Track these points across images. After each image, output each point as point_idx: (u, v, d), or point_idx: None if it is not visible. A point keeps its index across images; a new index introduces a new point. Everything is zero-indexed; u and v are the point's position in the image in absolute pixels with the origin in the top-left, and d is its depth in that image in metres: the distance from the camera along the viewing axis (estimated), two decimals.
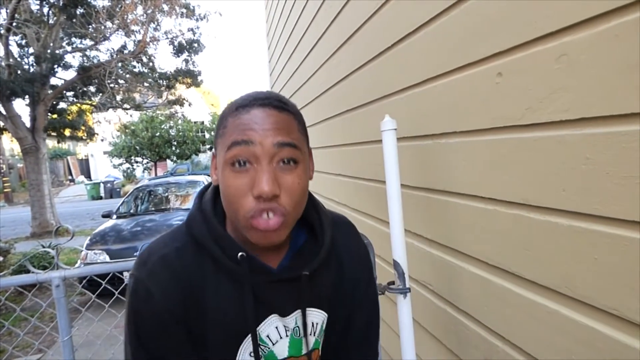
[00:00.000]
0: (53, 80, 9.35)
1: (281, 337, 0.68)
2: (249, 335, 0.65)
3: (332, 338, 0.75)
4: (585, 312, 0.84)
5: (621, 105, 0.72)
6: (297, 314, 0.69)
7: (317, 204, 0.73)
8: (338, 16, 2.24)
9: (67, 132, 10.85)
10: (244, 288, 0.64)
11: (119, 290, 1.76)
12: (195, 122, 23.72)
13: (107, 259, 4.41)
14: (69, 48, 9.75)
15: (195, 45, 10.97)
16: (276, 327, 0.68)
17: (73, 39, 9.77)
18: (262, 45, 5.86)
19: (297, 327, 0.69)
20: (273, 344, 0.68)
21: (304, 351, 0.70)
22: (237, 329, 0.65)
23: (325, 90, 2.70)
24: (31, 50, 8.82)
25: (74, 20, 8.35)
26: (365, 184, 2.10)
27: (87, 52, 9.81)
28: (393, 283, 1.30)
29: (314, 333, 0.71)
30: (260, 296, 0.65)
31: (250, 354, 0.66)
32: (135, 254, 4.30)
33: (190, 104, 12.71)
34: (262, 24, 5.82)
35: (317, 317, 0.71)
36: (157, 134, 21.10)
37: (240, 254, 0.62)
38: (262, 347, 0.67)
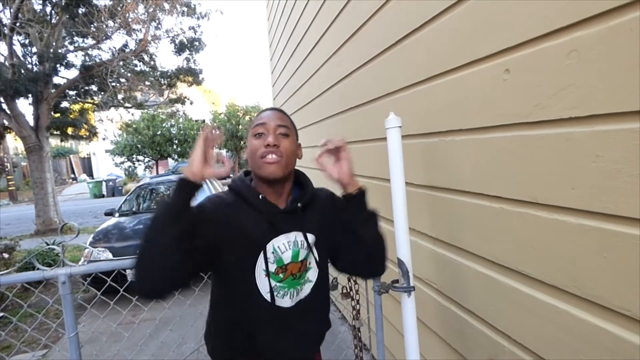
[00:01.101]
0: (56, 80, 9.31)
1: (287, 249, 1.07)
2: (267, 245, 1.04)
3: (339, 255, 1.16)
4: (594, 312, 0.83)
5: (633, 102, 0.71)
6: (297, 233, 1.08)
7: (306, 177, 1.18)
8: (340, 14, 2.23)
9: (70, 131, 10.85)
10: (262, 215, 1.04)
11: (123, 287, 1.75)
12: (196, 121, 23.68)
13: (110, 256, 4.40)
14: (71, 47, 9.72)
15: (197, 43, 10.93)
16: (283, 243, 1.06)
17: (75, 38, 9.74)
18: (264, 43, 5.85)
19: (296, 241, 1.08)
20: (282, 253, 1.06)
21: (300, 258, 1.09)
22: (259, 240, 1.04)
23: (327, 88, 2.69)
24: (34, 49, 8.80)
25: (76, 19, 8.32)
26: (369, 182, 2.09)
27: (89, 51, 9.78)
28: (397, 281, 1.29)
29: (306, 249, 1.09)
30: (273, 223, 1.05)
31: (267, 259, 1.04)
32: (137, 251, 4.29)
33: (191, 103, 12.66)
34: (264, 22, 5.80)
35: (309, 237, 1.10)
36: (159, 132, 21.09)
37: (260, 195, 1.05)
38: (274, 254, 1.06)
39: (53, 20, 8.60)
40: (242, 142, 22.34)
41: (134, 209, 6.00)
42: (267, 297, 1.06)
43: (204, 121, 25.08)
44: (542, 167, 0.93)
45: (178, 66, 11.18)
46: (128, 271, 4.22)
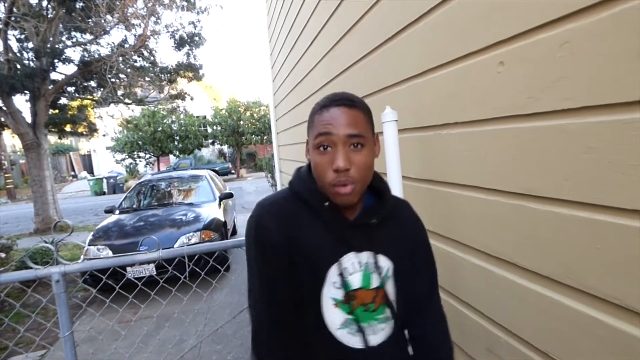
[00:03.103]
0: (53, 75, 9.28)
1: (355, 271, 0.87)
2: (333, 265, 0.85)
3: (406, 290, 0.94)
4: (588, 302, 0.84)
5: (624, 93, 0.71)
6: (369, 253, 0.88)
7: (384, 181, 0.96)
8: (338, 8, 2.22)
9: (68, 128, 10.85)
10: (328, 228, 0.86)
11: (119, 284, 1.76)
12: (197, 117, 23.69)
13: (110, 254, 4.42)
14: (69, 42, 9.68)
15: (196, 38, 10.89)
16: (352, 263, 0.86)
17: (73, 33, 9.70)
18: (264, 38, 5.83)
19: (368, 263, 0.87)
20: (350, 274, 0.86)
21: (372, 285, 0.88)
22: (327, 257, 0.85)
23: (326, 82, 2.69)
24: (30, 44, 8.77)
25: (74, 14, 8.29)
26: None
27: (88, 47, 9.75)
28: None
29: (380, 274, 0.89)
30: (340, 237, 0.86)
31: (333, 284, 0.85)
32: (138, 248, 4.31)
33: (192, 98, 12.64)
34: (263, 16, 5.78)
35: (383, 261, 0.89)
36: (160, 128, 21.09)
37: (326, 203, 0.85)
38: (341, 277, 0.86)
39: (49, 15, 8.54)
40: (243, 138, 22.34)
41: (134, 206, 6.01)
42: (337, 334, 0.86)
43: (205, 117, 25.06)
44: (536, 159, 0.93)
45: (178, 62, 11.15)
46: (129, 269, 4.26)
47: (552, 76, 0.86)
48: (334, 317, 0.86)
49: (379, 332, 0.89)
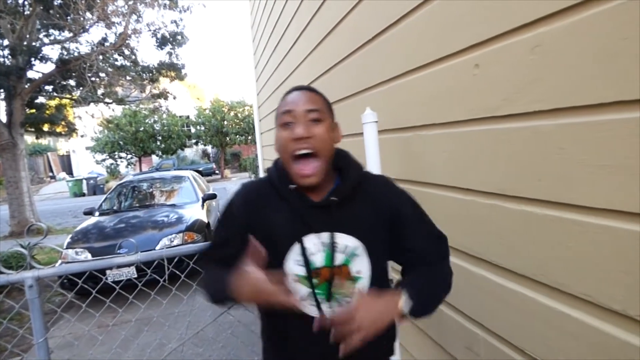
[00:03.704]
0: (30, 74, 9.01)
1: (318, 250, 0.92)
2: (295, 244, 0.91)
3: (379, 264, 0.98)
4: (560, 298, 0.86)
5: (594, 95, 0.73)
6: (328, 234, 0.92)
7: (350, 160, 1.00)
8: (320, 9, 2.22)
9: (46, 128, 10.54)
10: (292, 210, 0.92)
11: (96, 289, 1.72)
12: (180, 117, 23.36)
13: (89, 257, 4.31)
14: (46, 40, 9.42)
15: (179, 37, 10.74)
16: (314, 243, 0.92)
17: (51, 31, 9.45)
18: (247, 37, 5.79)
19: (328, 243, 0.92)
20: (311, 255, 0.92)
21: (336, 263, 0.92)
22: (288, 237, 0.92)
23: (309, 83, 2.68)
24: (6, 42, 8.51)
25: (51, 11, 8.07)
26: None
27: (66, 45, 9.50)
28: None
29: (343, 252, 0.93)
30: (304, 218, 0.92)
31: (296, 262, 0.92)
32: (118, 251, 4.22)
33: (174, 98, 12.47)
34: (247, 16, 5.74)
35: (346, 240, 0.93)
36: (141, 128, 20.73)
37: (291, 186, 0.92)
38: (304, 256, 0.92)
39: (26, 12, 8.29)
40: (227, 138, 22.14)
41: (115, 208, 5.88)
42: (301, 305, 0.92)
43: (188, 117, 24.73)
44: (511, 160, 0.95)
45: (160, 61, 10.98)
46: (108, 272, 4.16)
47: (525, 78, 0.87)
48: (296, 290, 0.92)
49: (344, 305, 0.93)
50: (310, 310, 0.93)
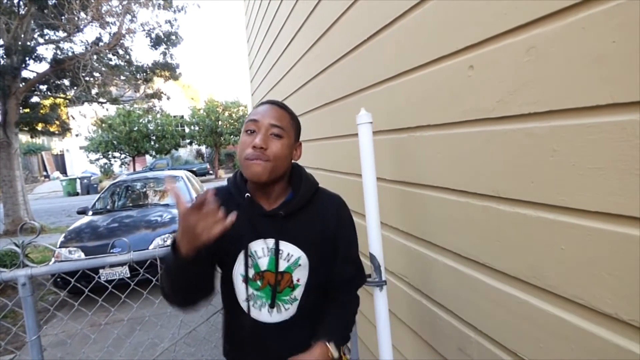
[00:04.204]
0: (25, 73, 8.94)
1: (264, 255, 1.00)
2: (245, 246, 0.99)
3: (316, 277, 1.05)
4: (552, 301, 0.86)
5: (587, 98, 0.73)
6: (273, 241, 1.00)
7: (304, 177, 1.07)
8: (315, 9, 2.22)
9: (40, 127, 10.46)
10: (245, 216, 0.97)
11: (89, 287, 1.70)
12: (174, 117, 23.26)
13: (83, 256, 4.28)
14: (41, 40, 9.35)
15: (173, 37, 10.69)
16: (262, 248, 1.00)
17: (45, 31, 9.38)
18: (242, 38, 5.77)
19: (273, 249, 1.00)
20: (258, 258, 1.01)
21: (279, 269, 1.00)
22: (238, 241, 0.99)
23: (303, 84, 2.68)
24: (1, 42, 8.43)
25: (46, 10, 8.01)
26: (341, 177, 2.10)
27: (60, 44, 9.42)
28: (369, 276, 1.30)
29: (287, 260, 1.01)
30: (254, 224, 1.00)
31: (243, 264, 1.00)
32: (111, 250, 4.19)
33: (168, 98, 12.42)
34: (242, 16, 5.72)
35: (291, 249, 1.01)
36: (135, 128, 20.61)
37: (247, 195, 1.01)
38: (251, 258, 1.00)
39: (21, 12, 8.22)
40: (221, 138, 22.08)
41: (108, 207, 5.85)
42: (244, 306, 1.03)
43: (182, 117, 24.62)
44: (505, 162, 0.95)
45: (154, 60, 10.94)
46: (101, 271, 4.13)
47: (519, 80, 0.87)
48: (241, 290, 1.02)
49: (282, 311, 1.03)
50: (253, 311, 1.02)
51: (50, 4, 8.01)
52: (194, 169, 20.16)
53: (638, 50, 0.64)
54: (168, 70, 11.03)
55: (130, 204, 5.97)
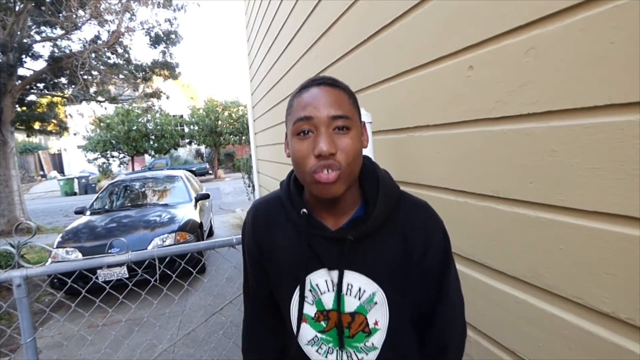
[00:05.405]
0: (21, 71, 8.91)
1: (328, 290, 0.76)
2: (303, 277, 0.77)
3: (402, 318, 0.79)
4: (551, 300, 0.87)
5: (585, 99, 0.74)
6: (339, 272, 0.75)
7: (380, 180, 0.78)
8: (315, 9, 2.22)
9: (37, 126, 10.42)
10: (302, 238, 0.76)
11: (85, 288, 1.70)
12: (174, 116, 23.21)
13: (80, 256, 4.26)
14: (37, 37, 9.31)
15: (173, 36, 10.68)
16: (325, 280, 0.76)
17: (42, 28, 9.35)
18: (242, 38, 5.76)
19: (339, 283, 0.75)
20: (321, 294, 0.77)
21: (346, 309, 0.76)
22: (294, 271, 0.78)
23: None
24: None
25: (43, 7, 7.98)
26: None
27: (58, 42, 9.39)
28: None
29: (358, 297, 0.76)
30: (314, 248, 0.75)
31: (304, 299, 0.78)
32: (109, 250, 4.18)
33: (168, 97, 12.40)
34: (242, 16, 5.71)
35: (363, 283, 0.75)
36: (134, 127, 20.55)
37: (303, 210, 0.75)
38: (312, 293, 0.78)
39: (17, 8, 8.18)
40: (221, 138, 22.04)
41: (106, 207, 5.82)
42: (306, 349, 0.81)
43: (181, 116, 24.59)
44: (504, 162, 0.95)
45: (154, 59, 10.91)
46: (99, 272, 4.11)
47: (519, 81, 0.88)
48: (304, 331, 0.80)
49: None
50: (318, 358, 0.80)
51: (48, 0, 7.98)
52: (193, 169, 20.13)
53: (636, 52, 0.64)
54: (167, 69, 11.01)
55: (129, 204, 5.95)
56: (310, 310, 0.78)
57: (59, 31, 9.15)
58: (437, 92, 1.19)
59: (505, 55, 0.91)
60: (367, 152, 1.36)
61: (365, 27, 1.61)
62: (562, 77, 0.78)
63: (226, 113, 22.28)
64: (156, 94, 11.95)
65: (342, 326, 0.77)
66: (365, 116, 1.39)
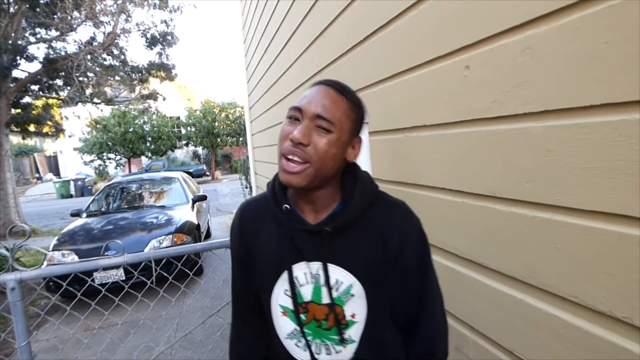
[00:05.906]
0: (16, 73, 8.87)
1: (307, 282, 0.80)
2: (285, 272, 0.80)
3: (378, 311, 0.81)
4: (548, 300, 0.87)
5: (581, 98, 0.74)
6: (319, 264, 0.79)
7: (359, 180, 0.82)
8: (311, 10, 2.22)
9: (32, 128, 10.36)
10: (283, 232, 0.80)
11: (81, 291, 1.69)
12: (170, 118, 23.16)
13: (76, 259, 4.23)
14: (32, 39, 9.26)
15: (169, 37, 10.65)
16: (304, 273, 0.80)
17: (37, 29, 9.30)
18: (238, 39, 5.76)
19: (318, 275, 0.79)
20: (300, 285, 0.80)
21: (323, 300, 0.79)
22: (276, 264, 0.81)
23: (300, 84, 2.68)
24: None
25: (38, 9, 7.94)
26: None
27: (53, 44, 9.35)
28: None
29: (336, 289, 0.79)
30: (295, 242, 0.79)
31: (284, 292, 0.81)
32: (106, 253, 4.15)
33: (164, 99, 12.38)
34: (238, 17, 5.71)
35: (341, 276, 0.78)
36: (131, 129, 20.49)
37: (285, 205, 0.79)
38: (292, 285, 0.80)
39: (11, 10, 8.14)
40: (218, 140, 22.01)
41: (102, 209, 5.80)
42: (286, 343, 0.83)
43: (178, 118, 24.53)
44: (500, 162, 0.96)
45: (150, 61, 10.88)
46: (96, 274, 4.09)
47: (514, 81, 0.88)
48: (283, 325, 0.82)
49: (333, 354, 0.80)
50: (297, 351, 0.82)
51: (42, 2, 7.94)
52: (191, 171, 20.08)
53: (631, 51, 0.64)
54: (164, 70, 10.99)
55: (126, 206, 5.93)
56: (288, 302, 0.81)
57: (54, 33, 9.10)
58: (433, 92, 1.19)
59: (501, 55, 0.91)
60: (363, 152, 1.36)
61: (361, 28, 1.61)
62: (557, 76, 0.78)
63: (223, 114, 22.25)
64: (153, 96, 11.92)
65: (321, 318, 0.80)
66: None
